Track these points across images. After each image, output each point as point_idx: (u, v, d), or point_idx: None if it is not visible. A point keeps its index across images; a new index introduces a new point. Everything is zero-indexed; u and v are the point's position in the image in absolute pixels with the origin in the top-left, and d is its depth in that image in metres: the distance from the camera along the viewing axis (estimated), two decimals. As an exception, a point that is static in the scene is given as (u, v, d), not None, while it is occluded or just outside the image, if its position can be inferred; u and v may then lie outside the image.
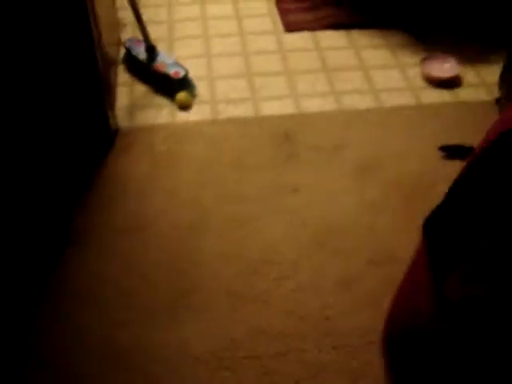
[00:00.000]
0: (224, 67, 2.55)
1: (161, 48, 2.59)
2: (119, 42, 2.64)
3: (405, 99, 2.40)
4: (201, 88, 2.44)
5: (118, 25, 2.68)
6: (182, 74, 2.37)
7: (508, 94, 2.22)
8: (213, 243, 1.90)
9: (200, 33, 2.74)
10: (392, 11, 2.78)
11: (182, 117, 2.31)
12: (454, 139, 2.23)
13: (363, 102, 2.37)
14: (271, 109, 2.34)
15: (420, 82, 2.48)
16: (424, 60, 2.52)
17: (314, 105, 2.36)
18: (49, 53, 1.95)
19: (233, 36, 2.72)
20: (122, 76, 2.51)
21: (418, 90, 2.44)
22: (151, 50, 2.43)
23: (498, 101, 2.34)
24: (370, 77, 2.50)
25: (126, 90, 2.44)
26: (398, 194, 2.04)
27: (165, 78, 2.39)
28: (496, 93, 2.37)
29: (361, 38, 2.71)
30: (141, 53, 2.46)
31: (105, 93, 2.16)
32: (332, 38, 2.70)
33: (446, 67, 2.49)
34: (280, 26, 2.77)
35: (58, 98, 2.06)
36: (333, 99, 2.39)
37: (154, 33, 2.70)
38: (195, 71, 2.50)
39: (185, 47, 2.65)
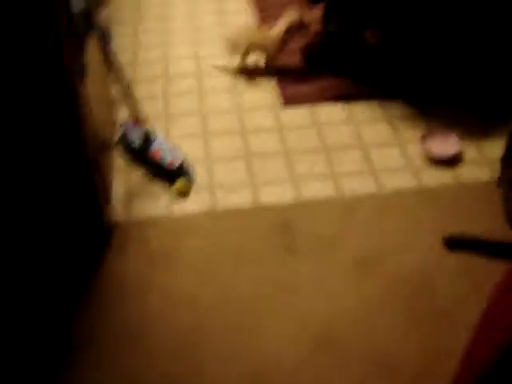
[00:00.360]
0: (221, 148, 2.51)
1: (156, 125, 2.57)
2: (115, 123, 2.61)
3: (405, 181, 2.35)
4: (198, 172, 2.40)
5: (112, 104, 2.65)
6: (178, 161, 2.34)
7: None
8: (212, 349, 1.86)
9: (196, 108, 2.71)
10: (392, 82, 2.74)
11: (180, 207, 2.28)
12: (456, 224, 2.20)
13: (363, 186, 2.33)
14: (270, 195, 2.31)
15: (421, 161, 2.44)
16: (425, 137, 2.48)
17: (313, 190, 2.32)
18: (31, 144, 1.90)
19: (230, 111, 2.69)
20: (118, 160, 2.48)
21: (419, 170, 2.40)
22: (147, 136, 2.40)
23: (499, 181, 2.30)
24: (370, 156, 2.46)
25: (122, 177, 2.41)
26: (398, 291, 2.00)
27: (161, 165, 2.36)
28: (498, 171, 2.33)
29: (360, 110, 2.67)
30: (137, 138, 2.43)
31: (98, 187, 2.12)
32: (331, 112, 2.67)
33: (447, 144, 2.45)
34: (278, 100, 2.73)
35: (46, 195, 2.02)
36: (332, 183, 2.35)
37: (149, 109, 2.68)
38: (192, 152, 2.47)
39: (181, 125, 2.62)
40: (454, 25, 2.54)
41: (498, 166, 2.35)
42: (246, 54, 2.81)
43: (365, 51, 2.71)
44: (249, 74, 2.86)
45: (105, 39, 2.23)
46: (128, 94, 2.27)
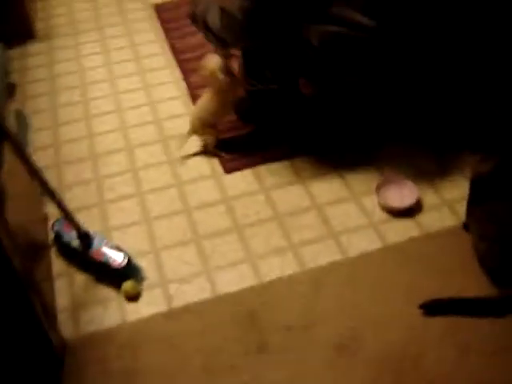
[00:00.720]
0: (167, 233, 2.32)
1: (92, 216, 2.36)
2: (46, 219, 2.39)
3: (368, 240, 2.21)
4: (146, 266, 2.20)
5: (39, 199, 2.42)
6: (123, 260, 2.14)
7: (479, 231, 2.07)
8: None
9: (133, 190, 2.50)
10: (335, 133, 2.59)
11: (133, 311, 2.07)
12: (430, 281, 2.07)
13: (325, 254, 2.18)
14: (228, 282, 2.13)
15: (379, 214, 2.30)
16: (379, 187, 2.34)
17: (273, 267, 2.16)
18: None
19: (170, 187, 2.50)
20: (56, 263, 2.26)
21: (380, 225, 2.26)
22: (84, 237, 2.18)
23: (465, 226, 2.19)
24: (326, 217, 2.30)
25: (64, 283, 2.19)
26: (385, 371, 1.85)
27: (105, 267, 2.14)
28: (461, 213, 2.21)
29: (306, 167, 2.52)
30: (73, 238, 2.21)
31: (37, 310, 1.87)
32: (276, 172, 2.50)
33: (403, 194, 2.32)
34: (218, 167, 2.55)
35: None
36: (292, 255, 2.19)
37: (82, 197, 2.47)
38: (136, 244, 2.27)
39: (119, 212, 2.41)
40: (398, 61, 2.40)
41: (459, 208, 2.24)
42: (211, 131, 2.57)
43: (301, 103, 2.55)
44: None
45: (18, 143, 1.99)
46: (51, 193, 2.03)
